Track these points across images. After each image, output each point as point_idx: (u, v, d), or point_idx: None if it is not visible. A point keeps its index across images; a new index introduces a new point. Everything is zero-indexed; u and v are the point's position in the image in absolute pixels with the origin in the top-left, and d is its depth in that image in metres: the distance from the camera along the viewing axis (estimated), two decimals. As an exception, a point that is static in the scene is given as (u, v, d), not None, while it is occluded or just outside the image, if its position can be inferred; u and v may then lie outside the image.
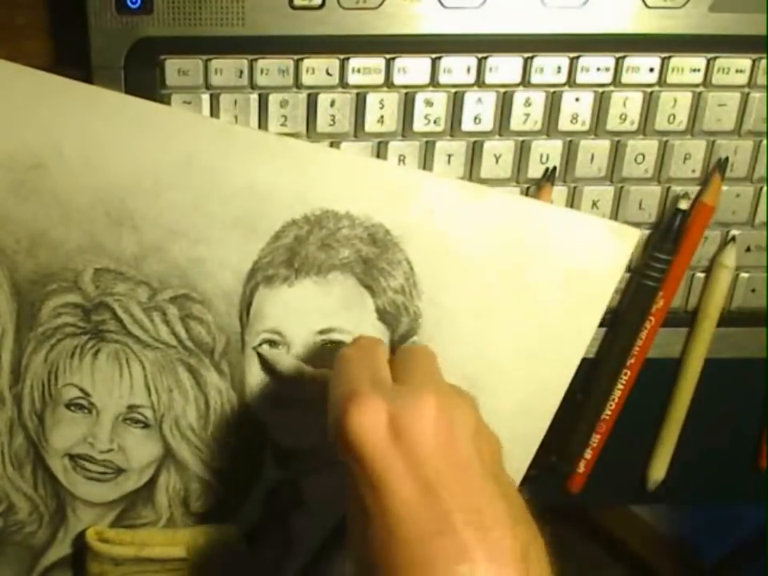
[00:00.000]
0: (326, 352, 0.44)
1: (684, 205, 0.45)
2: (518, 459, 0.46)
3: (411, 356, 0.38)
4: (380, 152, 0.44)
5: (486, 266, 0.43)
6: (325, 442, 0.45)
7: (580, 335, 0.44)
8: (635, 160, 0.45)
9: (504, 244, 0.42)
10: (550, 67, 0.43)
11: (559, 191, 0.45)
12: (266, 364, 0.44)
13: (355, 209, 0.42)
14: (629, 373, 0.48)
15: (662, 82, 0.44)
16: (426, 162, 0.44)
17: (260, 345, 0.44)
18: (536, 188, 0.45)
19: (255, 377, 0.45)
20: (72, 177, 0.42)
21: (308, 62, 0.42)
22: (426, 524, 0.31)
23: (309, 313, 0.43)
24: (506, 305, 0.43)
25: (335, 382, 0.36)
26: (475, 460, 0.33)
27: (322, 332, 0.44)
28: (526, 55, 0.43)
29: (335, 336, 0.44)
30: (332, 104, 0.43)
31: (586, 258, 0.42)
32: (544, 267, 0.43)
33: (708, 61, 0.43)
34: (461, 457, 0.33)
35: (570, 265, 0.43)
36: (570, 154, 0.44)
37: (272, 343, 0.44)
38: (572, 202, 0.45)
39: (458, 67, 0.43)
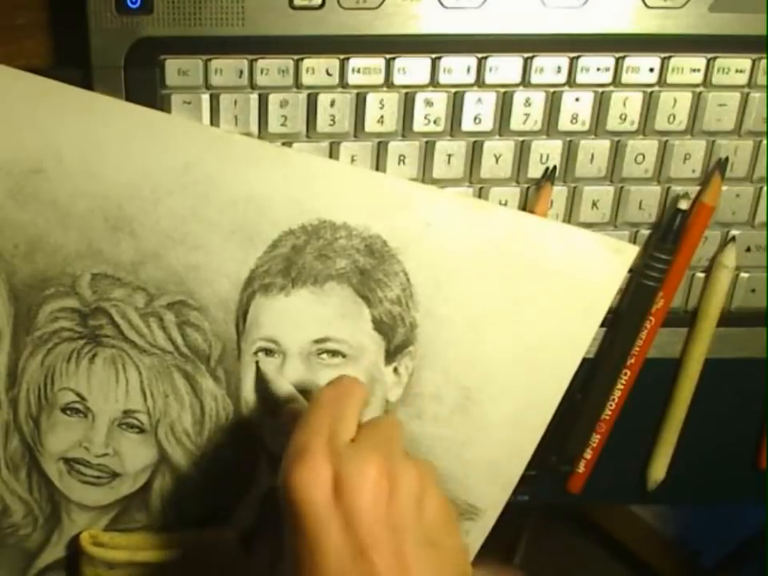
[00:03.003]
0: (321, 363, 0.45)
1: (684, 205, 0.45)
2: (511, 467, 0.47)
3: (374, 421, 0.39)
4: (380, 152, 0.45)
5: (483, 279, 0.44)
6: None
7: (575, 348, 0.45)
8: (635, 160, 0.46)
9: (501, 257, 0.44)
10: (549, 67, 0.44)
11: (559, 191, 0.46)
12: (264, 375, 0.45)
13: (353, 219, 0.43)
14: (629, 373, 0.49)
15: (661, 81, 0.45)
16: (426, 162, 0.45)
17: (256, 353, 0.45)
18: (536, 188, 0.46)
19: (251, 384, 0.46)
20: (71, 182, 0.43)
21: (308, 62, 0.43)
22: None
23: (305, 322, 0.44)
24: (503, 317, 0.45)
25: (300, 424, 0.38)
26: (412, 526, 0.34)
27: (317, 341, 0.45)
28: (526, 55, 0.44)
29: (331, 345, 0.45)
30: (332, 104, 0.44)
31: (582, 273, 0.44)
32: (541, 281, 0.44)
33: (708, 61, 0.44)
34: (397, 522, 0.34)
35: (566, 279, 0.44)
36: (570, 153, 0.45)
37: (268, 351, 0.45)
38: (572, 201, 0.46)
39: (457, 67, 0.44)
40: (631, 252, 0.44)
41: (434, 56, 0.44)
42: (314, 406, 0.39)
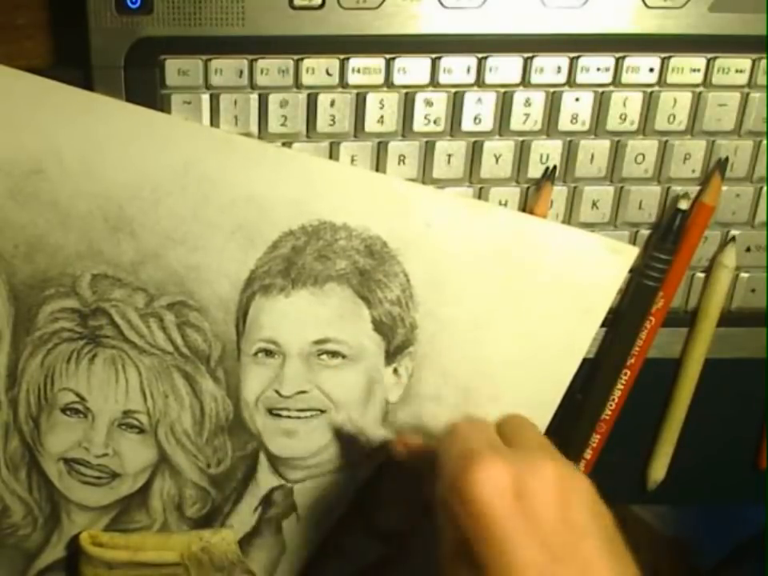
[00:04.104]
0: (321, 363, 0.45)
1: (684, 205, 0.46)
2: None
3: (519, 423, 0.40)
4: (380, 152, 0.45)
5: (483, 280, 0.44)
6: (318, 451, 0.47)
7: (575, 348, 0.45)
8: (635, 160, 0.46)
9: (501, 259, 0.44)
10: (549, 67, 0.44)
11: (559, 191, 0.46)
12: (264, 376, 0.46)
13: (353, 220, 0.44)
14: (629, 373, 0.49)
15: (661, 81, 0.45)
16: (426, 162, 0.45)
17: (256, 353, 0.45)
18: (536, 188, 0.46)
19: (251, 384, 0.46)
20: (71, 183, 0.43)
21: (308, 62, 0.43)
22: None
23: (304, 323, 0.45)
24: (502, 318, 0.45)
25: (448, 443, 0.37)
26: (594, 530, 0.34)
27: (317, 342, 0.45)
28: (526, 55, 0.44)
29: (331, 346, 0.45)
30: (332, 104, 0.44)
31: (582, 274, 0.44)
32: (541, 283, 0.44)
33: (708, 61, 0.44)
34: (580, 526, 0.34)
35: (566, 281, 0.44)
36: (570, 154, 0.46)
37: (267, 352, 0.45)
38: (572, 201, 0.46)
39: (458, 67, 0.44)
40: (631, 253, 0.44)
41: (433, 56, 0.44)
42: (454, 429, 0.38)
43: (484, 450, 0.35)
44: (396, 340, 0.45)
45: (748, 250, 0.48)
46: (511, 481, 0.34)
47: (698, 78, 0.45)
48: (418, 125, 0.45)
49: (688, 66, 0.45)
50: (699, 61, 0.45)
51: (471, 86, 0.44)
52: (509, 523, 0.33)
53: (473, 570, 0.34)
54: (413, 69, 0.44)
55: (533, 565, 0.33)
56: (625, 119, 0.45)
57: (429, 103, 0.44)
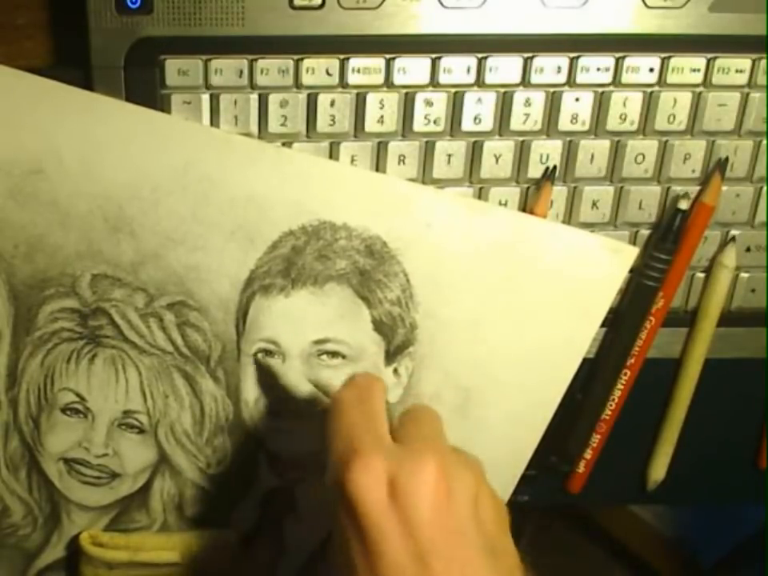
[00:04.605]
0: (322, 363, 0.45)
1: (684, 205, 0.46)
2: (511, 468, 0.48)
3: (415, 415, 0.39)
4: (380, 152, 0.45)
5: (483, 280, 0.44)
6: (318, 450, 0.47)
7: (575, 349, 0.45)
8: (635, 160, 0.46)
9: (501, 258, 0.44)
10: (550, 67, 0.44)
11: (559, 191, 0.46)
12: (264, 376, 0.46)
13: (353, 220, 0.44)
14: (629, 373, 0.49)
15: (662, 81, 0.45)
16: (426, 162, 0.45)
17: (256, 354, 0.45)
18: (536, 188, 0.46)
19: (251, 384, 0.46)
20: (71, 183, 0.43)
21: (308, 62, 0.43)
22: None
23: (305, 323, 0.45)
24: (503, 318, 0.45)
25: (333, 429, 0.37)
26: (472, 530, 0.34)
27: (317, 342, 0.45)
28: (526, 55, 0.44)
29: (331, 346, 0.45)
30: (332, 104, 0.44)
31: (582, 274, 0.44)
32: (540, 282, 0.44)
33: (708, 61, 0.45)
34: (458, 526, 0.33)
35: (566, 280, 0.44)
36: (570, 154, 0.46)
37: (267, 352, 0.45)
38: (572, 201, 0.46)
39: (458, 67, 0.44)
40: (631, 253, 0.44)
41: (433, 56, 0.44)
42: (339, 403, 0.38)
43: (364, 448, 0.35)
44: (396, 340, 0.45)
45: (748, 250, 0.48)
46: (388, 477, 0.34)
47: (698, 77, 0.45)
48: (418, 125, 0.45)
49: (688, 66, 0.45)
50: (699, 61, 0.45)
51: (471, 85, 0.45)
52: (380, 519, 0.33)
53: (350, 571, 0.34)
54: (413, 69, 0.44)
55: (397, 562, 0.32)
56: (625, 119, 0.45)
57: (429, 103, 0.44)
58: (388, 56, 0.44)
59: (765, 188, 0.47)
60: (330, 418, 0.38)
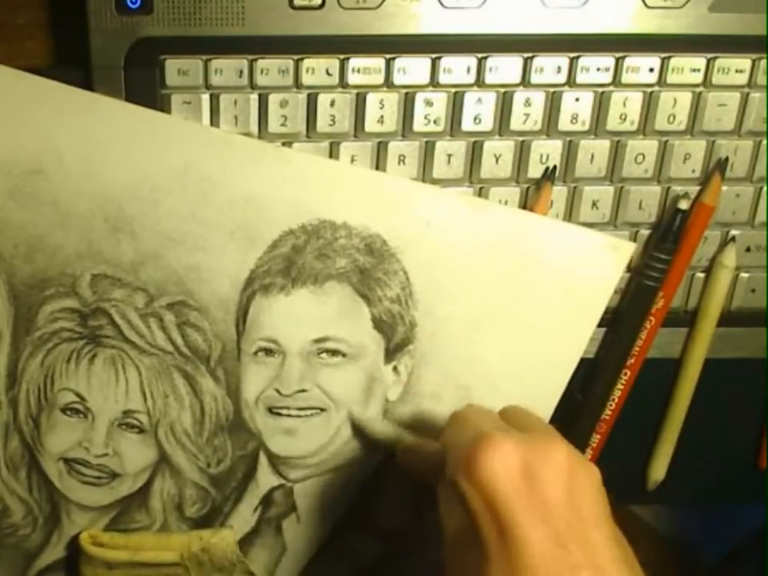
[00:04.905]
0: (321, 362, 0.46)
1: (684, 205, 0.46)
2: None
3: (523, 411, 0.40)
4: (380, 152, 0.45)
5: (482, 278, 0.44)
6: (318, 450, 0.47)
7: (573, 346, 0.45)
8: (635, 160, 0.46)
9: (500, 256, 0.44)
10: (549, 67, 0.44)
11: (559, 191, 0.46)
12: (264, 375, 0.46)
13: (352, 219, 0.44)
14: (629, 373, 0.49)
15: (662, 81, 0.45)
16: (426, 162, 0.45)
17: (256, 353, 0.45)
18: (536, 188, 0.46)
19: (251, 384, 0.46)
20: (71, 183, 0.43)
21: (308, 62, 0.43)
22: (555, 574, 0.32)
23: (305, 322, 0.45)
24: (501, 315, 0.45)
25: (457, 429, 0.38)
26: (601, 519, 0.34)
27: (317, 341, 0.45)
28: (526, 55, 0.44)
29: (330, 345, 0.45)
30: (332, 104, 0.44)
31: (580, 270, 0.44)
32: (539, 279, 0.44)
33: (708, 61, 0.45)
34: (589, 513, 0.34)
35: (564, 277, 0.44)
36: (570, 154, 0.46)
37: (268, 351, 0.45)
38: (572, 201, 0.46)
39: (458, 67, 0.44)
40: (628, 248, 0.44)
41: (433, 56, 0.44)
42: (459, 415, 0.39)
43: (494, 432, 0.35)
44: (396, 338, 0.45)
45: (748, 250, 0.48)
46: (521, 462, 0.34)
47: (698, 77, 0.45)
48: (418, 125, 0.45)
49: (688, 66, 0.45)
50: (699, 61, 0.45)
51: (471, 86, 0.45)
52: (517, 502, 0.33)
53: (476, 552, 0.34)
54: (413, 69, 0.44)
55: (537, 545, 0.33)
56: (625, 119, 0.45)
57: (429, 103, 0.44)
58: (388, 56, 0.44)
59: (765, 188, 0.47)
60: (447, 429, 0.39)
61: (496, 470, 0.34)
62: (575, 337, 0.45)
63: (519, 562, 0.33)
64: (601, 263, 0.44)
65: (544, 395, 0.46)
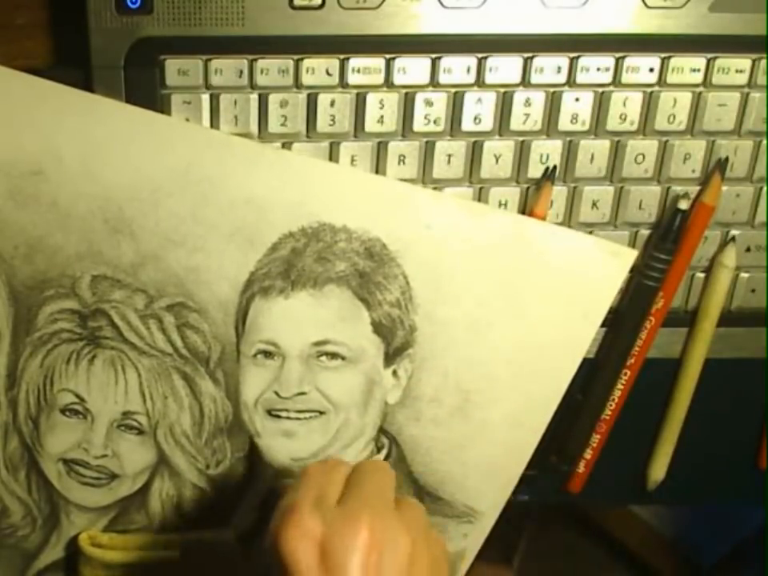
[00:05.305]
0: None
1: (684, 205, 0.46)
2: (511, 468, 0.48)
3: (364, 472, 0.39)
4: (380, 152, 0.45)
5: (482, 282, 0.44)
6: (317, 452, 0.47)
7: (573, 352, 0.45)
8: (635, 160, 0.46)
9: (500, 261, 0.44)
10: (549, 67, 0.44)
11: (559, 191, 0.46)
12: (263, 378, 0.46)
13: (352, 222, 0.44)
14: (629, 373, 0.49)
15: (662, 81, 0.45)
16: (426, 163, 0.45)
17: (255, 355, 0.46)
18: (536, 188, 0.46)
19: (250, 386, 0.46)
20: (71, 184, 0.43)
21: (308, 62, 0.43)
22: None
23: (304, 324, 0.45)
24: (501, 320, 0.45)
25: (294, 487, 0.37)
26: None
27: (317, 344, 0.45)
28: (526, 55, 0.44)
29: (330, 348, 0.45)
30: (332, 104, 0.44)
31: (581, 277, 0.44)
32: (540, 285, 0.44)
33: (708, 61, 0.45)
34: None
35: (565, 283, 0.44)
36: (570, 154, 0.46)
37: (267, 354, 0.45)
38: (572, 201, 0.46)
39: (458, 67, 0.44)
40: (629, 255, 0.44)
41: (433, 56, 0.44)
42: (304, 474, 0.39)
43: (304, 506, 0.35)
44: (395, 342, 0.46)
45: (748, 249, 0.48)
46: (320, 541, 0.34)
47: (697, 77, 0.45)
48: (418, 125, 0.45)
49: (688, 66, 0.45)
50: (699, 61, 0.45)
51: (471, 85, 0.45)
52: None
53: None
54: (413, 69, 0.44)
55: None
56: (625, 119, 0.45)
57: (429, 103, 0.45)
58: (388, 56, 0.44)
59: (765, 188, 0.47)
60: (292, 486, 0.38)
61: (297, 548, 0.34)
62: (575, 342, 0.45)
63: None
64: (602, 270, 0.44)
65: (543, 400, 0.46)
